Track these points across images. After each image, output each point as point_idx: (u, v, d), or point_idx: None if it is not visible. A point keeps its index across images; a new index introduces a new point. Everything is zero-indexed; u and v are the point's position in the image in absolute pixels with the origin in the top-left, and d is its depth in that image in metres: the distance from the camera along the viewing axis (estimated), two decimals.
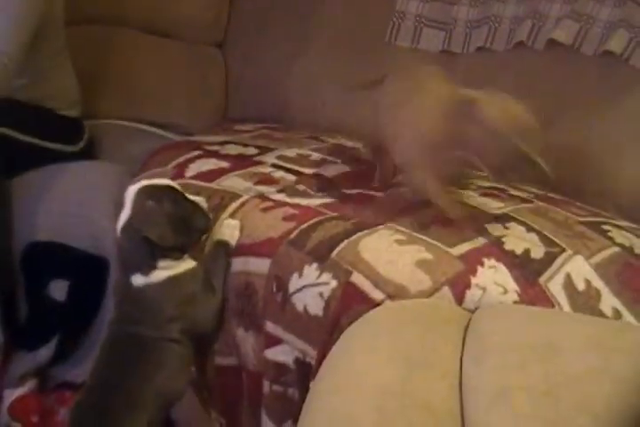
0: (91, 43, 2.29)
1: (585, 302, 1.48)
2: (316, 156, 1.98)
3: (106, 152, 2.10)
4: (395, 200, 1.76)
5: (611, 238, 1.69)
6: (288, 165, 1.87)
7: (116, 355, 1.47)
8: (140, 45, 2.41)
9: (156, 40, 2.44)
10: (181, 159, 1.87)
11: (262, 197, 1.67)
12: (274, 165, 1.86)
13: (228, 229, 1.56)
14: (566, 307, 1.45)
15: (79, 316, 1.80)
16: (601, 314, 1.46)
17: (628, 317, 1.47)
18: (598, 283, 1.51)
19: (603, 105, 2.03)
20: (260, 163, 1.87)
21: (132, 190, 1.46)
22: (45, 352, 1.78)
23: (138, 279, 1.42)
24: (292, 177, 1.81)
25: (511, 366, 1.17)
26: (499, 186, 1.90)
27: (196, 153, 1.90)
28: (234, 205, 1.64)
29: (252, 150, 1.96)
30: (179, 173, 1.79)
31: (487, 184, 1.90)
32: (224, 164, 1.84)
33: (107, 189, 1.77)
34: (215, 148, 1.96)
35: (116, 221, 1.47)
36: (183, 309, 1.46)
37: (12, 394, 1.75)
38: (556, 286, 1.48)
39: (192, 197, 1.51)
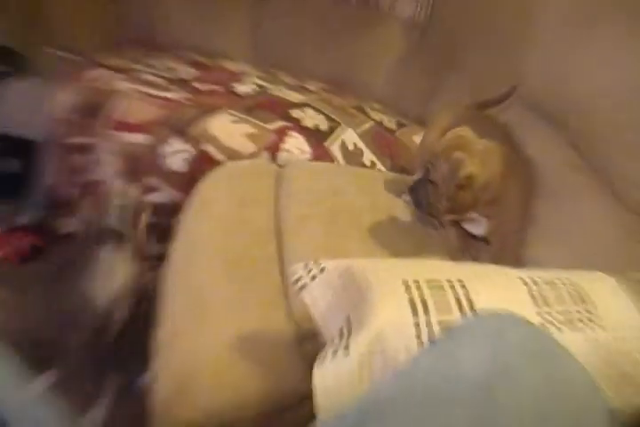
0: None
1: (353, 157, 1.79)
2: (177, 66, 2.23)
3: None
4: (228, 91, 2.01)
5: (369, 116, 2.01)
6: (159, 73, 2.11)
7: None
8: None
9: None
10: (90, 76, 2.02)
11: (140, 92, 1.91)
12: (149, 73, 2.10)
13: None
14: (341, 161, 1.76)
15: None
16: (363, 165, 1.79)
17: (379, 166, 1.81)
18: (361, 145, 1.84)
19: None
20: (137, 71, 2.10)
21: None
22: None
23: None
24: (161, 81, 2.03)
25: (308, 202, 1.37)
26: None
27: (100, 70, 2.07)
28: (123, 102, 1.84)
29: (138, 66, 2.17)
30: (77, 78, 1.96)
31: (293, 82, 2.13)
32: (116, 73, 2.05)
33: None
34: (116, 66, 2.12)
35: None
36: None
37: None
38: (334, 148, 1.78)
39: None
